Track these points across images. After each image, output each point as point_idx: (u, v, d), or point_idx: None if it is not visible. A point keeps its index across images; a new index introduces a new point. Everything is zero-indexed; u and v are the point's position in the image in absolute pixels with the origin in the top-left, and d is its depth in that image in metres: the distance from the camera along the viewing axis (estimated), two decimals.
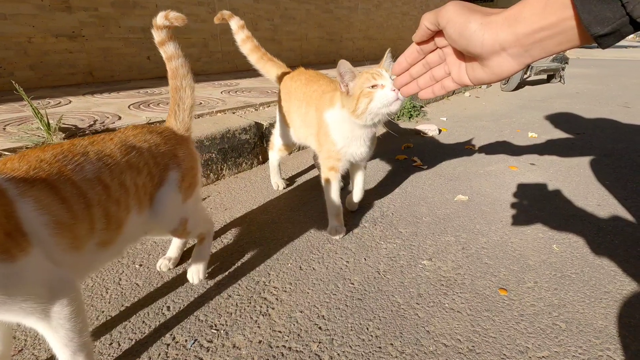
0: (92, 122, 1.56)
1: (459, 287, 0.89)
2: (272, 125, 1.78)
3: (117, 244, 0.65)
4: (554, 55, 4.83)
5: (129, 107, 1.91)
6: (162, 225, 0.76)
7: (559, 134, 2.28)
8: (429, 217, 1.24)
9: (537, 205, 1.31)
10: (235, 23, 1.25)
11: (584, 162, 1.76)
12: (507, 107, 3.20)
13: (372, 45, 5.78)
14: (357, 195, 1.23)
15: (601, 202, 1.33)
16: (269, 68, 1.33)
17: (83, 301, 0.59)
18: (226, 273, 0.95)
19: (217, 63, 3.56)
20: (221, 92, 2.43)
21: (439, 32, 0.46)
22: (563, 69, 4.63)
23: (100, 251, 0.62)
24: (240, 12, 3.61)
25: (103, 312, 0.81)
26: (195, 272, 0.88)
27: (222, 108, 1.91)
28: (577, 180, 1.53)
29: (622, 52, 12.84)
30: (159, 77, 3.12)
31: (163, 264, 0.95)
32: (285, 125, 1.31)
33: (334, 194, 1.11)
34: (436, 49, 0.49)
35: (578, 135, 2.26)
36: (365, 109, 0.90)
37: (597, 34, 0.32)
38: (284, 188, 1.48)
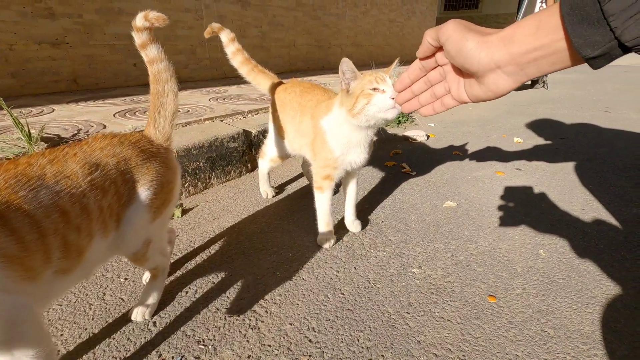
0: (76, 132, 1.52)
1: (449, 295, 0.89)
2: (260, 133, 1.77)
3: (79, 270, 0.60)
4: None
5: (114, 115, 1.88)
6: (126, 248, 0.71)
7: (543, 139, 2.33)
8: (418, 224, 1.25)
9: (523, 211, 1.33)
10: (225, 36, 1.24)
11: (568, 166, 1.79)
12: (493, 112, 3.26)
13: (360, 51, 5.84)
14: (350, 211, 1.19)
15: (585, 207, 1.35)
16: (260, 80, 1.32)
17: (46, 330, 0.55)
18: (215, 285, 0.93)
19: (204, 70, 3.54)
20: (209, 100, 2.41)
21: (440, 48, 0.48)
22: (546, 75, 4.75)
23: (60, 279, 0.57)
24: (228, 19, 3.61)
25: (86, 329, 0.78)
26: (141, 312, 0.80)
27: (210, 116, 1.90)
28: (561, 185, 1.56)
29: None
30: (146, 85, 3.07)
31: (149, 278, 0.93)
32: (278, 136, 1.31)
33: (327, 203, 1.10)
34: (437, 66, 0.51)
35: (562, 140, 2.31)
36: (362, 109, 0.89)
37: (588, 56, 0.34)
38: (272, 196, 1.47)
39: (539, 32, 0.37)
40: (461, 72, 0.48)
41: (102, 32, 2.73)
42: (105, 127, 1.63)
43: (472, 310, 0.84)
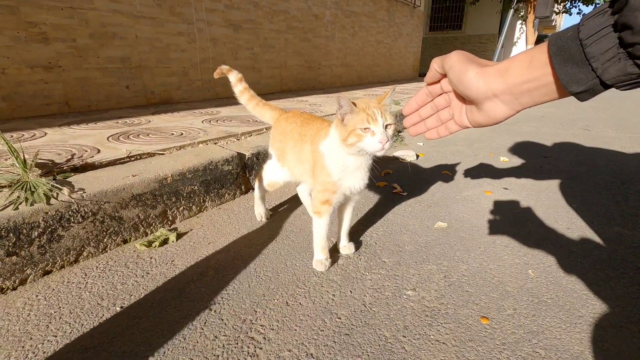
0: (70, 157, 1.53)
1: (443, 317, 0.92)
2: (254, 155, 1.80)
3: None
4: None
5: (107, 138, 1.88)
6: None
7: (527, 158, 2.41)
8: (411, 246, 1.27)
9: (511, 230, 1.38)
10: (233, 76, 1.36)
11: (552, 185, 1.86)
12: (479, 131, 3.36)
13: (349, 72, 5.99)
14: (344, 235, 1.22)
15: (570, 225, 1.40)
16: (264, 112, 1.40)
17: None
18: (211, 311, 0.93)
19: (197, 91, 3.59)
20: (202, 122, 2.44)
21: (444, 76, 0.54)
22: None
23: None
24: (220, 42, 3.69)
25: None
26: None
27: (203, 139, 1.92)
28: (547, 204, 1.62)
29: None
30: (138, 106, 3.10)
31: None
32: (280, 164, 1.34)
33: (324, 227, 1.12)
34: (442, 93, 0.56)
35: (545, 158, 2.40)
36: (352, 144, 0.93)
37: (574, 91, 0.38)
38: (266, 219, 1.48)
39: (531, 67, 0.42)
40: (463, 99, 0.53)
41: (95, 55, 2.76)
42: (99, 151, 1.63)
43: (466, 332, 0.86)
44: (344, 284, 1.06)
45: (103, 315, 0.92)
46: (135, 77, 3.06)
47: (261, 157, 1.84)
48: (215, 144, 1.91)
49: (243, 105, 1.42)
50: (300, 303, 0.97)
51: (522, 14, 14.61)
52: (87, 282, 1.06)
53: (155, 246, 1.27)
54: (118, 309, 0.94)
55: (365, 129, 0.89)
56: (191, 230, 1.40)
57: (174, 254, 1.22)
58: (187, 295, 1.00)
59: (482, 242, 1.29)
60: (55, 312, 0.93)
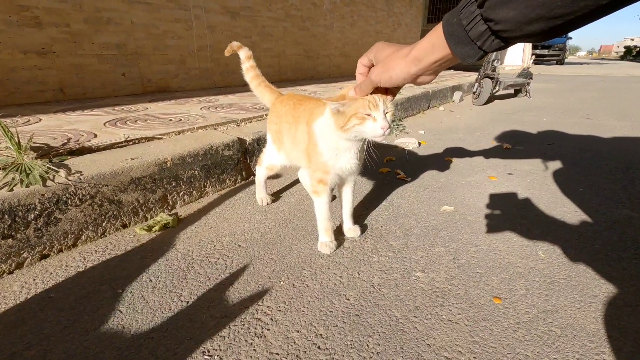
0: (66, 141, 1.48)
1: (454, 297, 0.89)
2: (255, 141, 1.76)
3: None
4: (519, 72, 5.12)
5: (104, 124, 1.84)
6: None
7: (530, 145, 2.39)
8: (417, 229, 1.25)
9: (519, 214, 1.35)
10: (244, 53, 1.36)
11: (557, 171, 1.84)
12: (480, 120, 3.33)
13: (348, 61, 5.92)
14: (347, 217, 1.20)
15: (578, 209, 1.38)
16: (264, 94, 1.40)
17: None
18: (216, 294, 0.90)
19: (194, 80, 3.52)
20: (201, 109, 2.39)
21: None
22: (528, 84, 4.91)
23: None
24: (218, 30, 3.61)
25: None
26: None
27: (203, 124, 1.88)
28: (553, 189, 1.60)
29: (577, 69, 13.80)
30: (135, 94, 3.04)
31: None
32: (276, 147, 1.33)
33: (324, 207, 1.10)
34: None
35: (548, 145, 2.37)
36: (352, 127, 0.90)
37: (470, 62, 0.52)
38: (268, 204, 1.45)
39: (435, 51, 0.56)
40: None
41: (90, 41, 2.69)
42: (96, 135, 1.59)
43: (478, 312, 0.84)
44: (351, 266, 1.03)
45: (103, 298, 0.89)
46: (132, 64, 2.99)
47: (262, 142, 1.80)
48: (215, 129, 1.87)
49: (247, 82, 1.41)
50: (307, 285, 0.95)
51: None
52: (86, 266, 1.03)
53: (156, 230, 1.24)
54: (119, 291, 0.91)
55: (367, 114, 0.87)
56: (192, 215, 1.36)
57: (175, 238, 1.19)
58: (191, 278, 0.97)
59: (490, 225, 1.26)
60: (53, 295, 0.90)
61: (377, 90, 0.83)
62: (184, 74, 3.42)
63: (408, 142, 2.37)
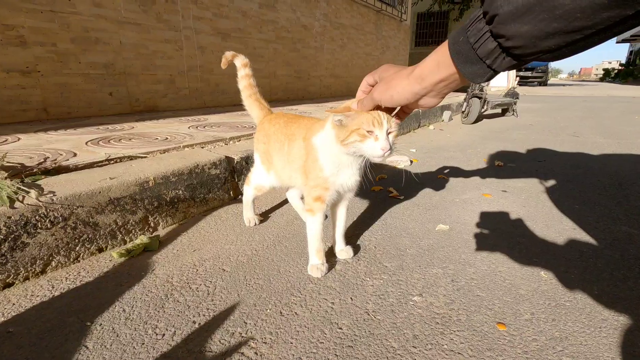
0: (42, 160, 1.41)
1: (455, 324, 0.83)
2: (243, 159, 1.71)
3: None
4: (506, 92, 5.23)
5: (86, 143, 1.77)
6: None
7: (522, 162, 2.38)
8: (413, 249, 1.19)
9: (516, 232, 1.31)
10: (239, 61, 1.30)
11: (550, 188, 1.82)
12: (470, 138, 3.35)
13: (338, 82, 6.00)
14: (340, 238, 1.14)
15: (576, 226, 1.35)
16: (253, 107, 1.36)
17: None
18: (196, 325, 0.82)
19: (184, 99, 3.49)
20: (189, 127, 2.34)
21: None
22: (515, 103, 5.01)
23: None
24: (208, 51, 3.63)
25: None
26: None
27: (189, 143, 1.82)
28: (549, 206, 1.56)
29: (560, 90, 14.26)
30: (122, 114, 2.99)
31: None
32: (265, 167, 1.27)
33: (317, 227, 1.03)
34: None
35: (539, 162, 2.37)
36: (352, 143, 0.86)
37: (478, 82, 0.49)
38: (255, 224, 1.38)
39: (440, 70, 0.53)
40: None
41: (77, 60, 2.65)
42: (75, 155, 1.52)
43: (482, 341, 0.77)
44: (344, 290, 0.96)
45: (69, 332, 0.80)
46: (119, 83, 2.95)
47: (251, 161, 1.75)
48: (203, 147, 1.81)
49: (240, 90, 1.36)
50: (295, 313, 0.87)
51: None
52: (54, 295, 0.94)
53: (135, 255, 1.15)
54: (88, 324, 0.82)
55: (369, 131, 0.83)
56: (175, 237, 1.28)
57: (155, 263, 1.11)
58: (169, 307, 0.89)
59: (487, 245, 1.21)
60: (13, 330, 0.81)
61: (382, 111, 0.80)
62: (173, 94, 3.39)
63: (400, 160, 2.35)
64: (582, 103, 7.58)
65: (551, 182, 1.90)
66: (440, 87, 0.55)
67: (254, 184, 1.34)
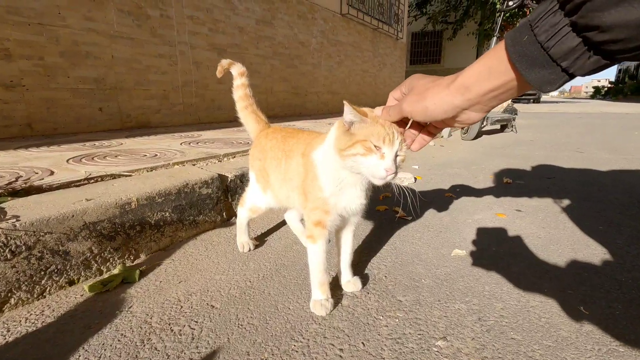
0: (14, 179, 1.27)
1: None
2: (238, 177, 1.58)
3: None
4: (505, 108, 5.21)
5: (67, 160, 1.63)
6: None
7: (530, 179, 2.27)
8: (428, 279, 1.05)
9: (541, 257, 1.18)
10: (236, 69, 1.20)
11: (568, 207, 1.70)
12: (472, 154, 3.25)
13: (336, 99, 5.95)
14: (346, 267, 1.00)
15: (605, 250, 1.22)
16: (249, 120, 1.24)
17: None
18: None
19: (177, 115, 3.39)
20: (181, 144, 2.22)
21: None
22: (514, 119, 4.96)
23: None
24: (204, 66, 3.55)
25: None
26: None
27: (180, 160, 1.70)
28: (570, 227, 1.44)
29: (553, 107, 14.42)
30: (112, 130, 2.86)
31: None
32: (260, 186, 1.15)
33: (320, 256, 0.90)
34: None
35: (549, 179, 2.26)
36: (352, 155, 0.74)
37: (548, 91, 0.41)
38: (250, 249, 1.24)
39: (492, 77, 0.44)
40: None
41: (65, 75, 2.55)
42: (52, 173, 1.38)
43: None
44: (354, 333, 0.82)
45: None
46: (110, 99, 2.84)
47: (246, 179, 1.62)
48: (194, 165, 1.69)
49: (235, 101, 1.24)
50: None
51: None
52: (7, 342, 0.78)
53: (111, 287, 1.00)
54: None
55: (376, 146, 0.70)
56: (159, 266, 1.14)
57: (133, 298, 0.96)
58: (144, 355, 0.74)
59: (512, 274, 1.08)
60: None
61: (408, 125, 0.69)
62: (166, 110, 3.28)
63: (404, 178, 2.23)
64: (577, 119, 7.60)
65: (566, 201, 1.78)
66: (489, 98, 0.46)
67: (249, 205, 1.21)
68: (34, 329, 0.83)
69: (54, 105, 2.52)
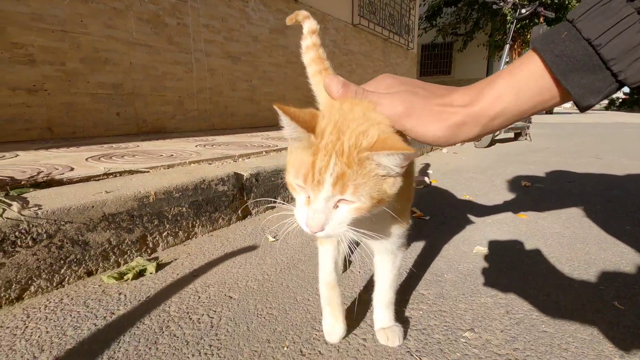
0: (35, 174, 1.29)
1: None
2: (253, 176, 1.58)
3: None
4: None
5: (86, 159, 1.66)
6: None
7: (550, 183, 2.22)
8: (451, 274, 1.02)
9: (568, 254, 1.13)
10: (308, 25, 0.82)
11: (591, 208, 1.64)
12: (487, 160, 3.21)
13: None
14: (381, 307, 0.74)
15: (636, 249, 1.17)
16: (320, 88, 0.93)
17: None
18: None
19: (192, 121, 3.43)
20: (196, 146, 2.24)
21: None
22: (528, 127, 4.89)
23: None
24: (219, 73, 3.61)
25: None
26: None
27: (196, 159, 1.70)
28: (595, 227, 1.39)
29: (566, 117, 14.22)
30: (128, 134, 2.91)
31: None
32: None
33: (324, 263, 0.72)
34: None
35: (569, 183, 2.21)
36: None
37: (591, 104, 0.32)
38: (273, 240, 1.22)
39: (519, 101, 0.36)
40: None
41: (85, 80, 2.61)
42: (72, 169, 1.40)
43: None
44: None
45: None
46: (127, 104, 2.90)
47: (261, 178, 1.62)
48: (210, 164, 1.69)
49: (305, 65, 0.84)
50: (319, 351, 0.70)
51: (507, 60, 15.40)
52: (26, 327, 0.78)
53: (129, 279, 1.00)
54: None
55: (298, 184, 0.49)
56: (175, 260, 1.13)
57: (150, 289, 0.95)
58: (163, 343, 0.72)
59: (539, 269, 1.04)
60: None
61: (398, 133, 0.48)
62: (181, 115, 3.33)
63: (419, 181, 2.20)
64: (592, 129, 7.46)
65: (590, 203, 1.73)
66: (513, 121, 0.39)
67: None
68: (53, 316, 0.82)
69: (74, 109, 2.58)
